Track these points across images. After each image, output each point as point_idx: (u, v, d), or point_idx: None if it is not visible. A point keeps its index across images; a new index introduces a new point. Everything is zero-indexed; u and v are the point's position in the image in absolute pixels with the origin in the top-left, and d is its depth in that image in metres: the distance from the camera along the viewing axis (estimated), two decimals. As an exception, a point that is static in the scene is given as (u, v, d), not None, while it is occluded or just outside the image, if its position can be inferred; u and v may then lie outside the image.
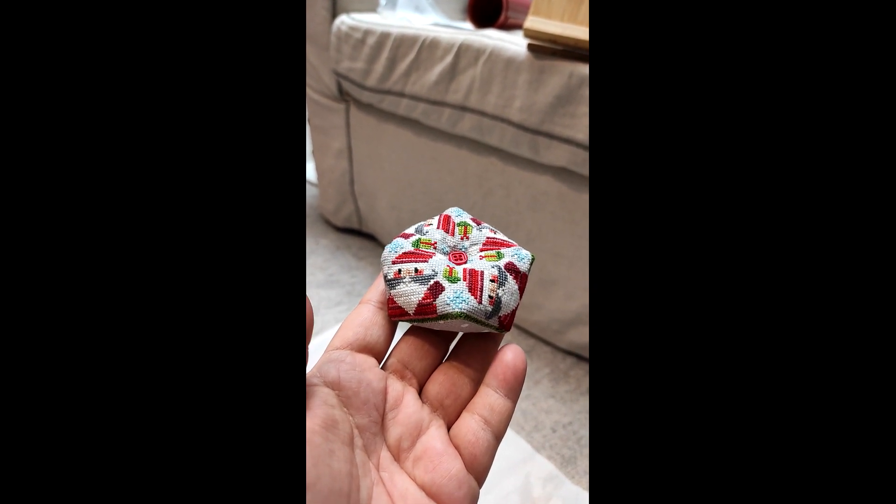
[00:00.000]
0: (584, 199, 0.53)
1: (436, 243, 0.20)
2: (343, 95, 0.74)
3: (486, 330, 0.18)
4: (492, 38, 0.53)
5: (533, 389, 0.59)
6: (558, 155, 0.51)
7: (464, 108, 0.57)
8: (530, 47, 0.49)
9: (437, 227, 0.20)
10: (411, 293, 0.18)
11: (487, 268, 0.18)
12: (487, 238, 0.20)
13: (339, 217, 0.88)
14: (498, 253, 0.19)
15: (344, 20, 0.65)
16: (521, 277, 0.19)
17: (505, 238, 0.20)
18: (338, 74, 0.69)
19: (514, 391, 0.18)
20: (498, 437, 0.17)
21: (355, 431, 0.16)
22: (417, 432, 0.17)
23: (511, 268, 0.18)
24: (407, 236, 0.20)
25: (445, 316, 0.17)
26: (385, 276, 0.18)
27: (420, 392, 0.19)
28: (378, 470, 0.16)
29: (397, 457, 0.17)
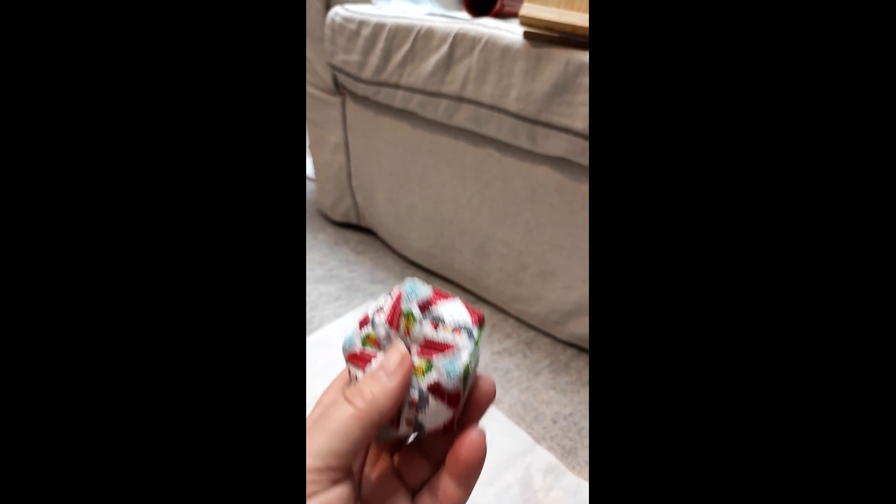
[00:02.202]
0: (582, 189, 0.53)
1: (380, 341, 0.20)
2: (339, 88, 0.73)
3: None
4: (487, 26, 0.52)
5: (533, 381, 0.59)
6: (556, 144, 0.51)
7: (460, 99, 0.56)
8: (526, 35, 0.49)
9: (385, 319, 0.20)
10: None
11: (412, 386, 0.18)
12: (425, 339, 0.19)
13: (337, 212, 0.88)
14: (428, 364, 0.18)
15: (338, 11, 0.65)
16: (450, 396, 0.18)
17: (447, 335, 0.19)
18: (333, 67, 0.69)
19: (466, 480, 0.18)
20: None
21: None
22: None
23: (435, 389, 0.18)
24: (362, 324, 0.20)
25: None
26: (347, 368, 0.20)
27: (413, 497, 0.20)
28: None
29: None
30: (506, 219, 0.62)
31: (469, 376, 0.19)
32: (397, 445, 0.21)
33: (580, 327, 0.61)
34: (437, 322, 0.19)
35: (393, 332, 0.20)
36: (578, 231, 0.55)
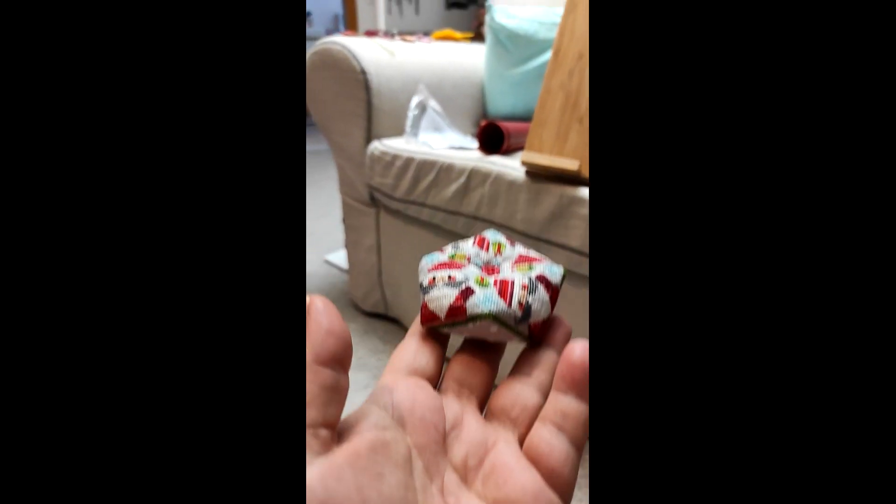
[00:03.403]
0: (582, 294, 0.61)
1: (469, 257, 0.21)
2: (374, 202, 0.87)
3: (517, 339, 0.18)
4: (496, 164, 0.65)
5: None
6: (557, 258, 0.60)
7: (476, 218, 0.67)
8: (527, 173, 0.61)
9: (473, 244, 0.21)
10: (443, 297, 0.18)
11: (518, 277, 0.19)
12: (520, 255, 0.21)
13: (367, 303, 0.98)
14: (530, 266, 0.20)
15: (376, 146, 0.80)
16: (552, 289, 0.19)
17: (538, 255, 0.21)
18: (370, 187, 0.83)
19: (584, 391, 0.16)
20: (577, 444, 0.16)
21: (413, 452, 0.15)
22: (484, 450, 0.16)
23: (542, 279, 0.19)
24: (443, 251, 0.21)
25: (475, 318, 0.17)
26: (420, 284, 0.19)
27: (483, 411, 0.18)
28: (443, 494, 0.15)
29: (465, 478, 0.16)
30: (518, 316, 0.70)
31: (562, 283, 0.19)
32: (493, 362, 0.19)
33: (591, 419, 0.65)
34: (527, 248, 0.21)
35: (483, 252, 0.21)
36: (582, 330, 0.62)
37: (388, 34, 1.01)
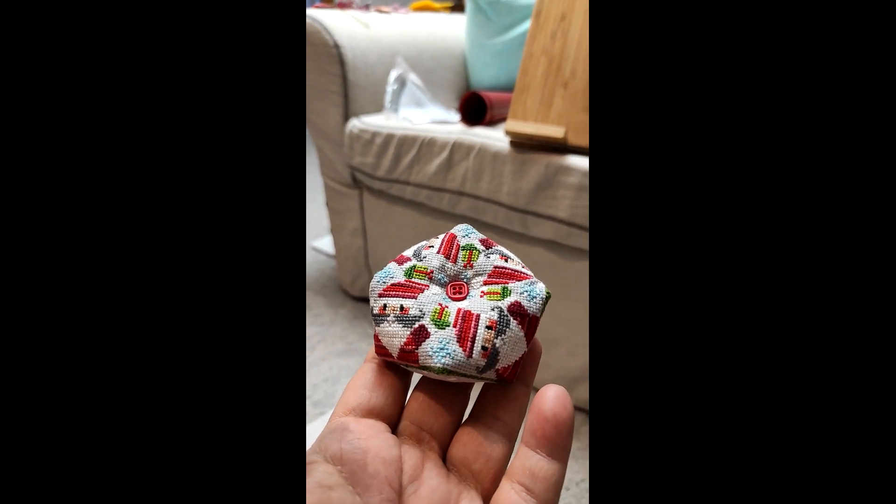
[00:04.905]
0: (573, 266, 0.60)
1: (432, 272, 0.17)
2: (356, 183, 0.84)
3: (482, 382, 0.16)
4: (479, 136, 0.62)
5: (544, 448, 0.62)
6: (545, 230, 0.58)
7: (461, 193, 0.65)
8: (512, 143, 0.58)
9: (438, 251, 0.18)
10: (393, 335, 0.16)
11: (486, 310, 0.16)
12: (495, 267, 0.17)
13: (355, 287, 0.96)
14: (504, 289, 0.16)
15: (355, 123, 0.77)
16: (530, 321, 0.16)
17: (518, 267, 0.17)
18: (351, 167, 0.80)
19: (559, 449, 0.14)
20: None
21: None
22: None
23: (516, 310, 0.16)
24: (402, 261, 0.18)
25: (427, 368, 0.15)
26: (371, 310, 0.17)
27: (444, 458, 0.16)
28: None
29: None
30: (508, 293, 0.68)
31: (544, 307, 0.16)
32: (460, 401, 0.17)
33: (586, 392, 0.65)
34: (505, 256, 0.18)
35: (450, 263, 0.17)
36: (573, 302, 0.61)
37: (363, 6, 0.96)
